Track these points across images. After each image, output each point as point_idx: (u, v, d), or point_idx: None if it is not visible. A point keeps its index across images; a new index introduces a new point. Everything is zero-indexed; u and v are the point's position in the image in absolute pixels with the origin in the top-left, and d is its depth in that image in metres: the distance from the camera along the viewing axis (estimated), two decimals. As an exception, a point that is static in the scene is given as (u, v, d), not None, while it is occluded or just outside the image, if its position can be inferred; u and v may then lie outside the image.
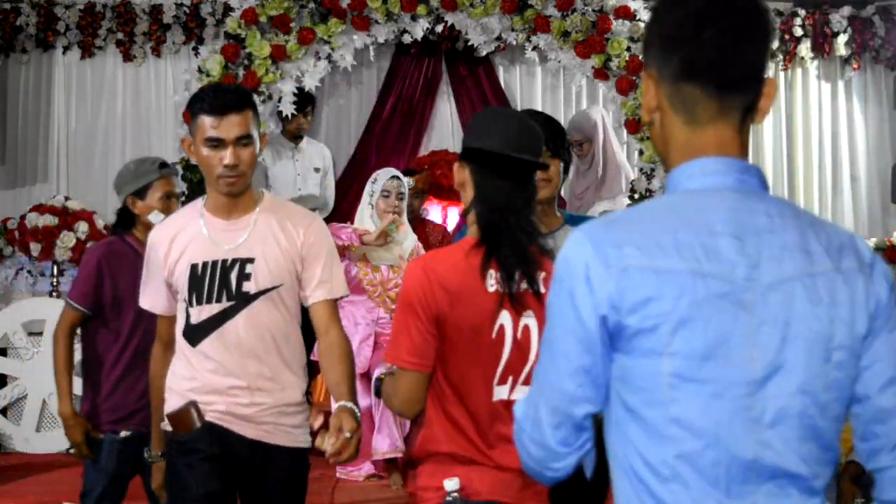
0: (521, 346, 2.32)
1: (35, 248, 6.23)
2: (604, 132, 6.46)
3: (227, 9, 6.55)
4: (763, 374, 1.38)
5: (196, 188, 6.11)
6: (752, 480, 1.38)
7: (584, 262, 1.39)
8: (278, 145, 6.43)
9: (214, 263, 2.76)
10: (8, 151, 7.23)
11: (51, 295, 6.39)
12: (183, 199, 6.15)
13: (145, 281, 2.95)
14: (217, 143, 2.70)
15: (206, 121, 2.72)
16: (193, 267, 2.78)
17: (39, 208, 6.34)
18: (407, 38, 6.24)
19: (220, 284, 2.76)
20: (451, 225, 6.92)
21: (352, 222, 5.38)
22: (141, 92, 7.21)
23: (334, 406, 2.67)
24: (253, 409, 2.79)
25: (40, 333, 6.11)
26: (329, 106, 7.34)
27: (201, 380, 2.79)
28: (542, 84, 7.41)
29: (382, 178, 5.28)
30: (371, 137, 7.17)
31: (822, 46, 7.19)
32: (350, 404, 2.64)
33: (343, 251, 5.19)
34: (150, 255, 2.88)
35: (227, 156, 2.70)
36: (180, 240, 2.82)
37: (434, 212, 7.04)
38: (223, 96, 2.73)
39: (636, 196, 6.23)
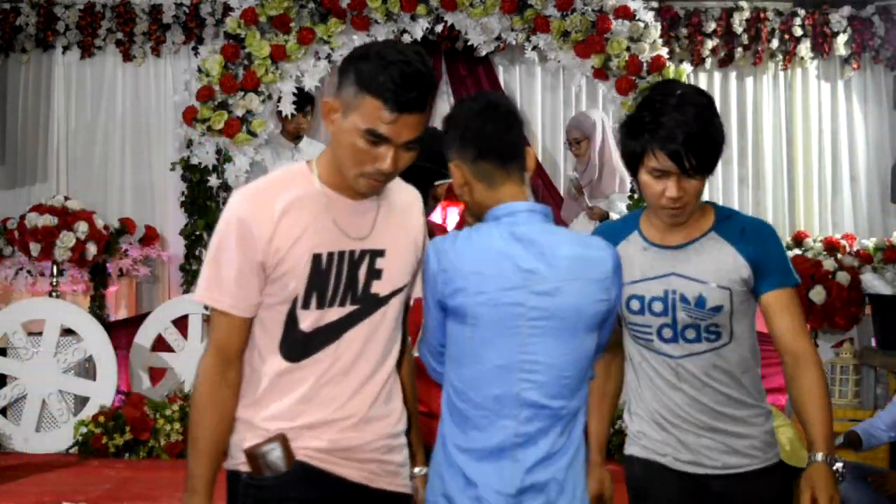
0: None
1: (35, 247, 6.23)
2: (602, 133, 6.49)
3: (227, 9, 6.55)
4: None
5: (196, 188, 6.11)
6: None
7: (433, 260, 2.23)
8: (278, 145, 6.43)
9: (341, 255, 2.10)
10: (8, 151, 7.22)
11: (50, 295, 6.39)
12: (182, 199, 6.20)
13: (220, 269, 2.10)
14: (379, 141, 2.03)
15: (379, 109, 2.01)
16: (317, 258, 2.08)
17: (39, 208, 6.34)
18: (407, 38, 6.24)
19: (347, 283, 2.11)
20: (450, 225, 6.92)
21: None
22: (140, 92, 7.21)
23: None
24: (360, 443, 2.14)
25: (40, 333, 6.11)
26: (329, 106, 7.34)
27: (300, 408, 2.11)
28: (542, 84, 7.41)
29: None
30: (371, 137, 7.17)
31: (821, 46, 7.19)
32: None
33: None
34: (242, 233, 2.06)
35: (387, 160, 2.05)
36: (293, 219, 2.08)
37: (434, 212, 7.03)
38: (412, 86, 2.01)
39: (635, 196, 6.23)
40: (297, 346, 2.11)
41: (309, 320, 2.10)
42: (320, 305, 2.10)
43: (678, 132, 2.27)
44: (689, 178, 2.30)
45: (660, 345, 2.42)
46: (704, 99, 2.35)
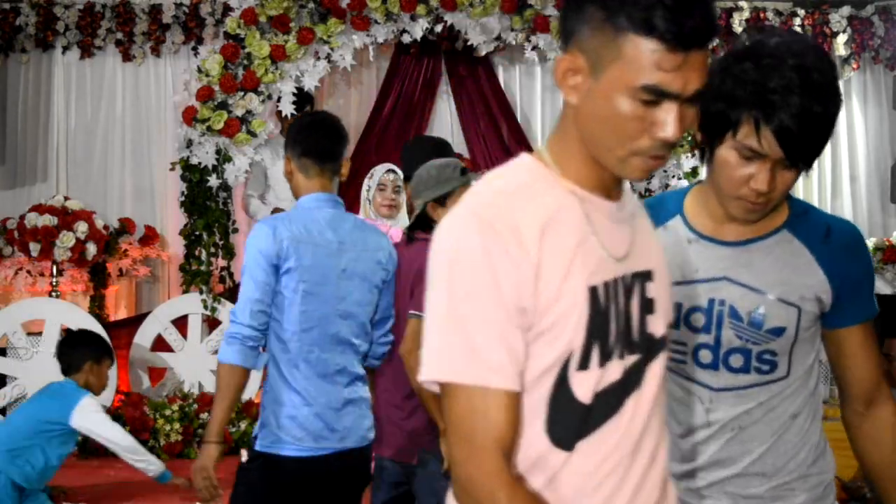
0: None
1: (34, 248, 6.23)
2: None
3: (227, 9, 6.55)
4: (344, 296, 2.97)
5: (196, 188, 6.11)
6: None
7: (267, 234, 2.88)
8: (277, 145, 6.42)
9: (615, 285, 1.47)
10: (8, 151, 7.23)
11: (50, 295, 6.39)
12: (182, 199, 6.19)
13: (465, 325, 1.37)
14: (660, 98, 1.37)
15: (656, 52, 1.36)
16: (593, 293, 1.43)
17: (39, 208, 6.34)
18: (406, 38, 6.24)
19: (625, 325, 1.48)
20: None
21: None
22: (140, 92, 7.21)
23: None
24: None
25: (40, 333, 6.11)
26: (329, 106, 7.34)
27: None
28: (542, 84, 7.42)
29: (378, 172, 5.30)
30: (371, 137, 7.17)
31: (821, 46, 7.19)
32: None
33: None
34: (495, 268, 1.36)
35: (670, 125, 1.38)
36: (558, 240, 1.41)
37: (434, 212, 7.04)
38: (693, 7, 1.36)
39: (636, 196, 6.23)
40: (573, 424, 1.43)
41: (587, 385, 1.43)
42: (605, 357, 1.44)
43: (798, 107, 1.66)
44: (787, 168, 1.70)
45: (693, 370, 1.83)
46: (829, 65, 1.71)
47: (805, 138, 1.67)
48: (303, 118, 3.13)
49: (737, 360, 1.81)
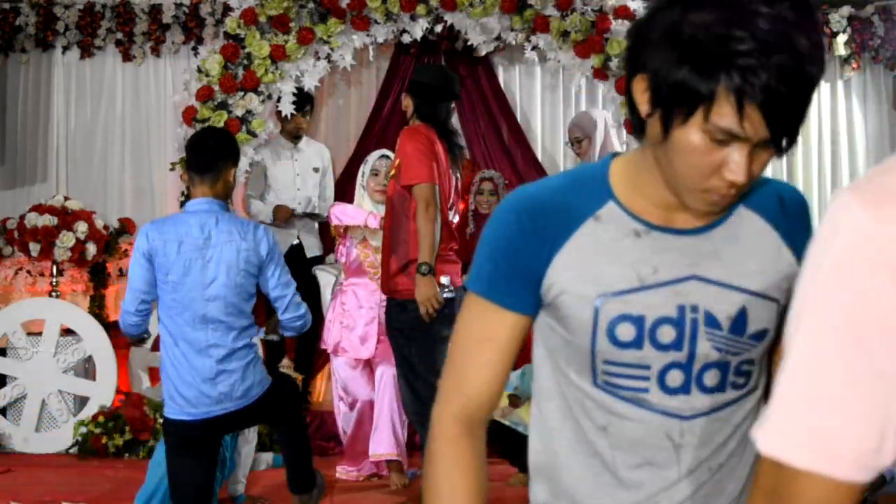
0: None
1: (34, 247, 6.23)
2: (604, 133, 6.49)
3: (227, 9, 6.55)
4: (209, 282, 3.62)
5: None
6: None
7: (143, 235, 3.70)
8: (277, 145, 6.43)
9: None
10: (7, 151, 7.22)
11: (50, 295, 6.39)
12: (182, 199, 6.19)
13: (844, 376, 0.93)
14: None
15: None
16: None
17: (39, 208, 6.34)
18: (406, 38, 6.24)
19: None
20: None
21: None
22: (140, 92, 7.21)
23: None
24: None
25: (40, 333, 6.12)
26: (329, 106, 7.34)
27: None
28: (542, 84, 7.41)
29: (372, 158, 5.35)
30: (370, 137, 7.17)
31: None
32: None
33: (345, 231, 5.24)
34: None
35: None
36: None
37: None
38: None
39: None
40: None
41: None
42: None
43: (789, 71, 1.24)
44: (765, 148, 1.31)
45: (659, 398, 1.42)
46: (809, 8, 1.28)
47: (795, 111, 1.27)
48: (191, 136, 3.95)
49: (712, 378, 1.42)
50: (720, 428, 1.44)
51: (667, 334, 1.40)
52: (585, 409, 1.45)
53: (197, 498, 3.67)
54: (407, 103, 4.43)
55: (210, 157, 3.72)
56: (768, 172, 1.42)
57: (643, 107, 1.33)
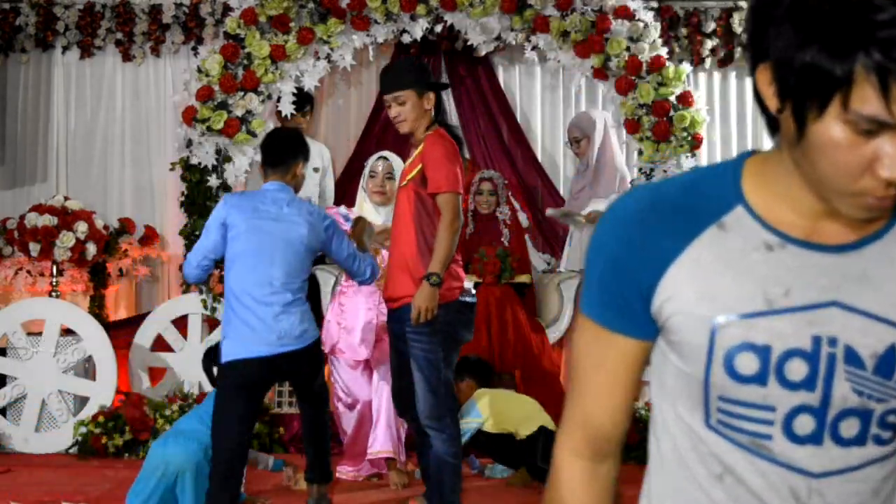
0: None
1: (34, 248, 6.23)
2: (603, 133, 6.51)
3: (227, 9, 6.55)
4: (275, 250, 4.21)
5: (196, 188, 6.11)
6: None
7: (223, 203, 4.28)
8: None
9: None
10: (8, 151, 7.23)
11: (50, 295, 6.39)
12: (182, 199, 6.20)
13: None
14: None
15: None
16: None
17: (39, 208, 6.34)
18: (406, 38, 6.24)
19: None
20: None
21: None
22: (140, 92, 7.21)
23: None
24: None
25: (40, 333, 6.12)
26: (329, 106, 7.35)
27: None
28: (542, 84, 7.42)
29: (371, 160, 5.34)
30: (370, 137, 7.17)
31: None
32: None
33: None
34: None
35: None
36: None
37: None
38: None
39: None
40: None
41: None
42: None
43: None
44: None
45: (783, 447, 1.19)
46: None
47: None
48: (265, 137, 4.68)
49: (850, 428, 1.18)
50: (857, 491, 1.19)
51: (797, 370, 1.16)
52: (698, 454, 1.23)
53: (239, 444, 4.04)
54: (429, 104, 4.11)
55: (280, 154, 4.28)
56: None
57: (771, 101, 1.13)
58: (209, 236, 4.17)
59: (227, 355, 4.10)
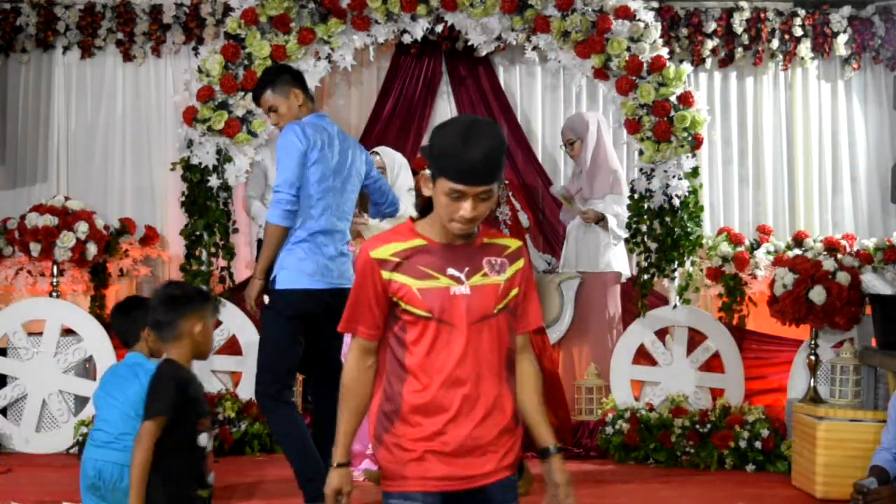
0: None
1: (35, 247, 6.22)
2: (597, 135, 6.53)
3: (227, 9, 6.55)
4: (347, 179, 4.65)
5: (196, 188, 6.11)
6: None
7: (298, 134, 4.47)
8: (278, 145, 6.42)
9: None
10: (8, 151, 7.23)
11: (51, 295, 6.39)
12: (182, 199, 6.20)
13: None
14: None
15: None
16: None
17: (39, 208, 6.34)
18: (407, 38, 6.24)
19: None
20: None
21: None
22: (141, 92, 7.21)
23: None
24: None
25: (40, 333, 6.11)
26: (329, 106, 7.34)
27: None
28: (542, 84, 7.41)
29: None
30: (371, 137, 7.17)
31: (822, 46, 7.19)
32: None
33: None
34: None
35: None
36: None
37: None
38: None
39: (636, 196, 6.23)
40: None
41: None
42: None
43: None
44: None
45: None
46: None
47: None
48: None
49: None
50: None
51: None
52: None
53: (291, 367, 4.46)
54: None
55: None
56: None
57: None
58: (294, 168, 4.40)
59: (284, 283, 4.37)
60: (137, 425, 3.11)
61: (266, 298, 4.50)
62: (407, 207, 5.44)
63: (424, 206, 2.54)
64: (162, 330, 3.10)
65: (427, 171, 2.46)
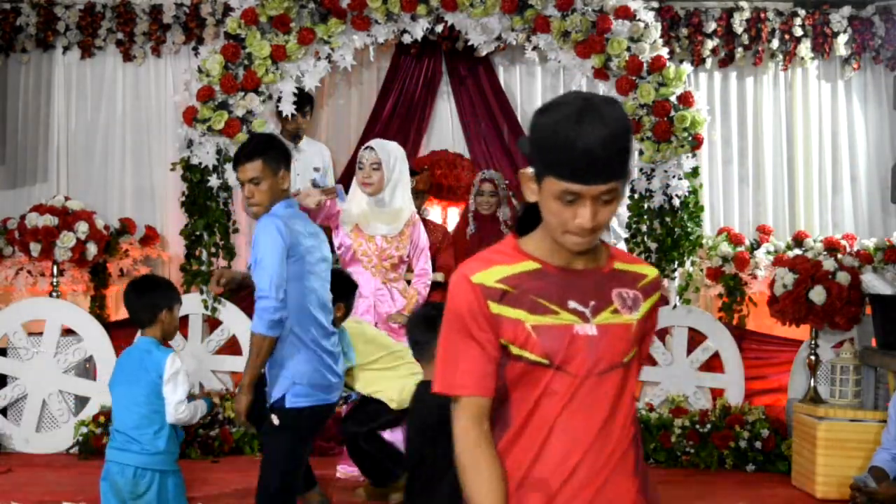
0: None
1: (35, 247, 6.23)
2: None
3: (227, 9, 6.55)
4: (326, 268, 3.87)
5: (196, 188, 6.11)
6: None
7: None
8: (278, 145, 6.42)
9: None
10: (8, 151, 7.22)
11: (51, 295, 6.39)
12: (183, 199, 6.20)
13: None
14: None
15: None
16: None
17: (39, 208, 6.34)
18: (407, 38, 6.24)
19: None
20: (451, 225, 6.92)
21: None
22: (141, 92, 7.21)
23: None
24: None
25: (40, 333, 6.11)
26: (329, 106, 7.34)
27: None
28: (542, 84, 7.41)
29: (361, 151, 5.39)
30: (371, 137, 7.15)
31: (822, 46, 7.18)
32: None
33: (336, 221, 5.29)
34: None
35: None
36: None
37: (434, 212, 7.04)
38: None
39: (636, 196, 6.23)
40: None
41: None
42: None
43: None
44: None
45: None
46: None
47: None
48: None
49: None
50: None
51: None
52: None
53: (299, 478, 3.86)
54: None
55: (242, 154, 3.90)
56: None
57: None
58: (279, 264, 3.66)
59: (296, 401, 3.67)
60: (150, 422, 3.44)
61: (275, 419, 3.71)
62: (404, 201, 5.42)
63: (528, 216, 1.94)
64: None
65: (529, 170, 1.86)
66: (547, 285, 1.87)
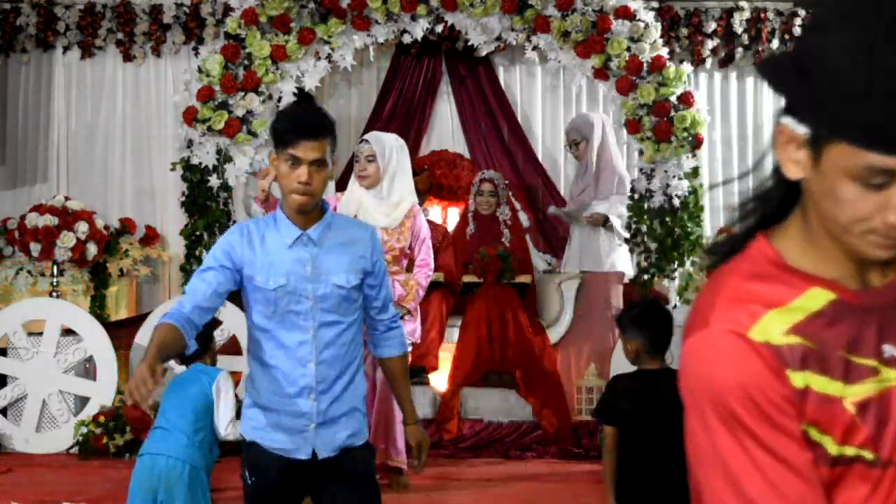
0: None
1: (35, 248, 6.23)
2: (602, 135, 6.52)
3: (227, 9, 6.55)
4: None
5: (196, 188, 6.12)
6: None
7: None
8: (278, 145, 6.42)
9: None
10: (8, 151, 7.23)
11: (51, 295, 6.39)
12: (182, 199, 6.20)
13: None
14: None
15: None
16: None
17: (39, 208, 6.34)
18: (407, 38, 6.24)
19: None
20: (450, 225, 6.92)
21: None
22: (141, 92, 7.21)
23: None
24: None
25: (40, 333, 6.11)
26: (329, 106, 7.34)
27: None
28: (542, 84, 7.41)
29: (357, 144, 5.36)
30: (371, 137, 7.18)
31: None
32: None
33: None
34: None
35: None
36: None
37: (434, 212, 7.04)
38: None
39: (636, 196, 6.23)
40: None
41: None
42: None
43: None
44: None
45: None
46: None
47: None
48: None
49: None
50: None
51: None
52: None
53: None
54: None
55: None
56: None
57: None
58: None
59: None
60: (193, 421, 3.59)
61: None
62: (403, 192, 5.32)
63: (786, 202, 1.23)
64: None
65: (793, 124, 1.14)
66: (852, 327, 1.17)
